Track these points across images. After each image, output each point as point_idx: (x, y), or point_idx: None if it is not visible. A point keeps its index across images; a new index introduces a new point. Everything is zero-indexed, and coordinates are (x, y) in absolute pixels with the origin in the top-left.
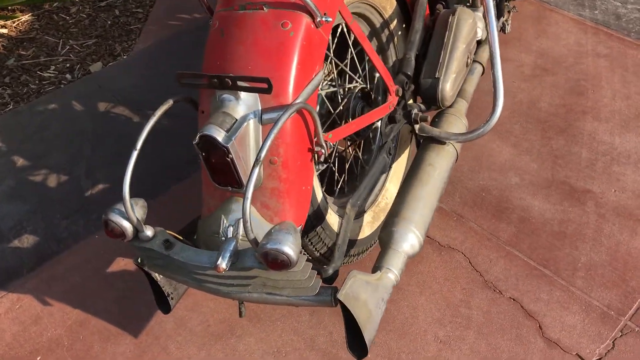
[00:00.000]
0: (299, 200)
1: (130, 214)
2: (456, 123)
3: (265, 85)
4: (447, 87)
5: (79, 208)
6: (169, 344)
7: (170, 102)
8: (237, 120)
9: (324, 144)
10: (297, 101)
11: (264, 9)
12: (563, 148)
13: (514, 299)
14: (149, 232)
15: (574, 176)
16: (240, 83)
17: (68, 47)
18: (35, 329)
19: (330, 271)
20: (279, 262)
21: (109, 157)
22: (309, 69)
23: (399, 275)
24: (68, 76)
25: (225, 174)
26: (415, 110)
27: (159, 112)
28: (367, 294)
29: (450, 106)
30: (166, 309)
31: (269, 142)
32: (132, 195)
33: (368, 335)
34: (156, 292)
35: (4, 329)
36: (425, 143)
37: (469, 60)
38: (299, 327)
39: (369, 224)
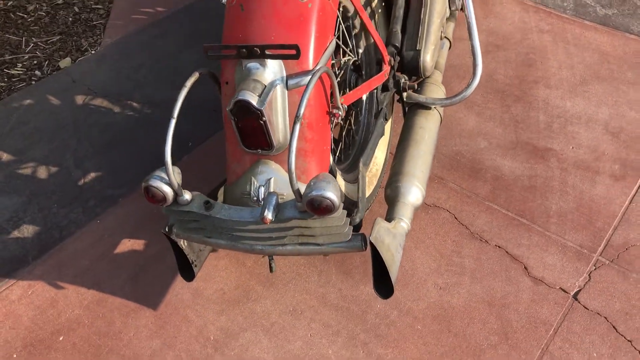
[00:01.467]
0: (322, 159)
1: (172, 179)
2: (436, 90)
3: (293, 52)
4: (428, 58)
5: (75, 197)
6: (188, 312)
7: (196, 75)
8: (265, 86)
9: (340, 106)
10: (319, 66)
11: None
12: (522, 113)
13: (499, 246)
14: (187, 195)
15: (535, 137)
16: (268, 51)
17: (32, 44)
18: (52, 312)
19: (357, 219)
20: (323, 207)
21: (96, 146)
22: (325, 37)
23: (410, 224)
24: (38, 73)
25: (256, 137)
26: (403, 80)
27: (189, 83)
28: (389, 239)
29: (428, 76)
30: (190, 276)
31: (305, 102)
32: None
33: (393, 276)
34: (180, 261)
35: (20, 315)
36: (412, 109)
37: (442, 34)
38: (309, 287)
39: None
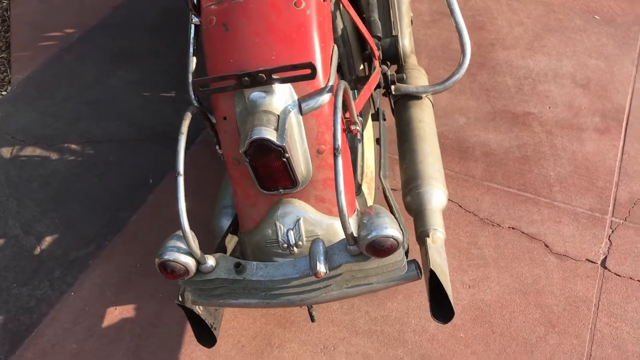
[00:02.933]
0: (349, 185)
1: (193, 247)
2: (421, 76)
3: (308, 71)
4: (406, 42)
5: (35, 269)
6: None
7: (189, 115)
8: (278, 116)
9: (357, 120)
10: (331, 79)
11: None
12: (489, 81)
13: (512, 227)
14: (211, 261)
15: (510, 103)
16: (276, 75)
17: None
18: None
19: (406, 246)
20: (386, 248)
21: (42, 204)
22: (328, 44)
23: (444, 231)
24: None
25: (278, 176)
26: (389, 72)
27: (184, 129)
28: (440, 259)
29: (406, 62)
30: (210, 342)
31: (339, 129)
32: None
33: (451, 297)
34: (195, 327)
35: None
36: (403, 101)
37: (412, 15)
38: (334, 317)
39: (369, 195)
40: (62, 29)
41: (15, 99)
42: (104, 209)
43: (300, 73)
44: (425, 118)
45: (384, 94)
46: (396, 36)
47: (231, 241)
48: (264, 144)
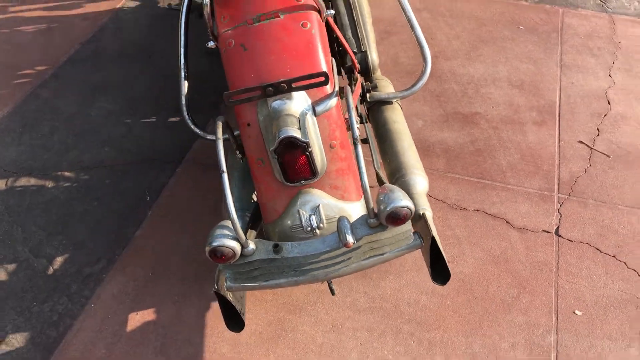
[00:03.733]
0: (356, 174)
1: (239, 232)
2: (388, 85)
3: (322, 79)
4: (375, 56)
5: (52, 288)
6: None
7: (220, 123)
8: (298, 118)
9: (356, 120)
10: (336, 85)
11: (280, 16)
12: (438, 88)
13: (477, 210)
14: (252, 244)
15: (459, 106)
16: (295, 85)
17: None
18: None
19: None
20: (403, 216)
21: (47, 228)
22: (329, 55)
23: (431, 210)
24: None
25: (301, 169)
26: (364, 82)
27: (220, 135)
28: (434, 230)
29: (374, 73)
30: (240, 326)
31: (355, 123)
32: None
33: (448, 262)
34: (226, 315)
35: None
36: (377, 108)
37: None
38: (337, 300)
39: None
40: (33, 66)
41: (0, 135)
42: (108, 227)
43: (315, 81)
44: (398, 119)
45: (360, 102)
46: (365, 51)
47: (250, 236)
48: (292, 140)
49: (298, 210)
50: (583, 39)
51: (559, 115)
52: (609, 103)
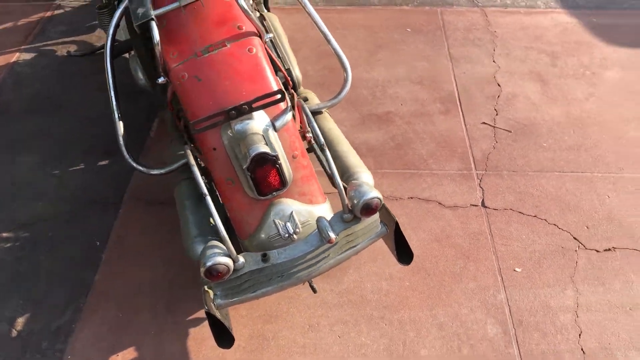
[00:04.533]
0: (316, 179)
1: (231, 248)
2: (314, 97)
3: (279, 96)
4: (298, 72)
5: (22, 347)
6: None
7: (189, 152)
8: (262, 135)
9: (309, 129)
10: (287, 100)
11: (227, 44)
12: (350, 95)
13: (411, 197)
14: (241, 258)
15: (372, 108)
16: (256, 105)
17: None
18: None
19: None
20: (374, 206)
21: (0, 291)
22: (274, 73)
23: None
24: None
25: (273, 181)
26: (296, 96)
27: (193, 161)
28: (395, 217)
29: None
30: (230, 342)
31: (317, 129)
32: None
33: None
34: (216, 333)
35: None
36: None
37: None
38: (307, 302)
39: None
40: None
41: None
42: (64, 278)
43: (273, 99)
44: (332, 126)
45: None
46: (289, 69)
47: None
48: (263, 156)
49: (273, 221)
50: (464, 32)
51: (460, 103)
52: (499, 85)
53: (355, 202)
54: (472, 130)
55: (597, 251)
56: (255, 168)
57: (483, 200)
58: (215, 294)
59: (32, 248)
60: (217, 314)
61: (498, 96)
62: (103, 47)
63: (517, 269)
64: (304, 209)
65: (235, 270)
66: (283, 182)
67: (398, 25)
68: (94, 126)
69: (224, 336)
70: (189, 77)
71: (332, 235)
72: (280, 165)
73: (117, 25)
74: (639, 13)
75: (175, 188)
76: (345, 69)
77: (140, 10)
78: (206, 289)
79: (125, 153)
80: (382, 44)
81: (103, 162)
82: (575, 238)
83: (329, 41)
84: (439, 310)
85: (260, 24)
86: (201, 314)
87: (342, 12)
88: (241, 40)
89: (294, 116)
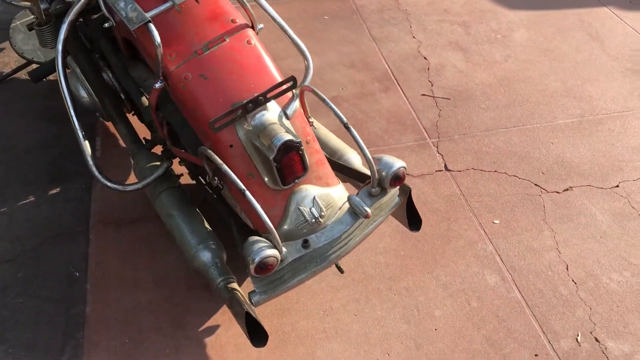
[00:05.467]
0: (327, 162)
1: (277, 239)
2: None
3: (291, 83)
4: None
5: None
6: None
7: (208, 151)
8: (279, 124)
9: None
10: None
11: (226, 39)
12: None
13: None
14: (284, 248)
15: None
16: (270, 94)
17: None
18: None
19: None
20: (402, 176)
21: None
22: (274, 63)
23: None
24: None
25: (297, 168)
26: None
27: (217, 160)
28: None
29: None
30: (263, 340)
31: (337, 111)
32: None
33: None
34: (251, 332)
35: None
36: None
37: None
38: (314, 289)
39: None
40: None
41: None
42: (52, 317)
43: (287, 86)
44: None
45: None
46: None
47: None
48: (289, 144)
49: (298, 208)
50: (378, 14)
51: (396, 79)
52: (425, 59)
53: (384, 174)
54: (415, 103)
55: (558, 192)
56: (282, 157)
57: (445, 164)
58: (253, 291)
59: (4, 293)
60: (254, 314)
61: (428, 68)
62: (14, 71)
63: (495, 221)
64: (324, 192)
65: (280, 261)
66: (305, 168)
67: (315, 14)
68: (29, 155)
69: (256, 335)
70: (194, 76)
71: (368, 210)
72: (303, 151)
73: (66, 38)
74: None
75: (155, 202)
76: (305, 57)
77: (132, 14)
78: (230, 287)
79: (96, 173)
80: (305, 34)
81: (53, 192)
82: (536, 184)
83: (286, 31)
84: (439, 272)
85: (254, 15)
86: (214, 321)
87: (256, 8)
88: (238, 34)
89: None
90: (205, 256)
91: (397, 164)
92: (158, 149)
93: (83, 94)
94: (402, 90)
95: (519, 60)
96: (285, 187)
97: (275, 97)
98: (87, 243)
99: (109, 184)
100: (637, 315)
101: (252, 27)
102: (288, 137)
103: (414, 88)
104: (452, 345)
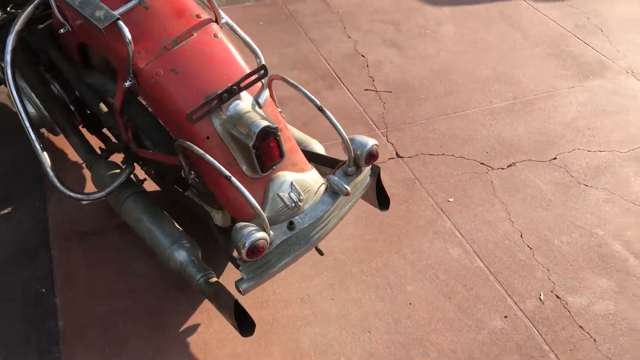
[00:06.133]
0: (299, 149)
1: (266, 222)
2: None
3: (263, 71)
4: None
5: None
6: None
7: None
8: (255, 111)
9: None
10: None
11: (193, 34)
12: None
13: None
14: (271, 231)
15: None
16: (244, 84)
17: None
18: None
19: None
20: (375, 153)
21: None
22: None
23: None
24: None
25: (275, 154)
26: None
27: (200, 151)
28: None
29: None
30: (252, 328)
31: (312, 96)
32: None
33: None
34: (239, 322)
35: None
36: None
37: None
38: (287, 280)
39: None
40: None
41: None
42: (25, 335)
43: (259, 75)
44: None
45: None
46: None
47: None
48: (267, 130)
49: (277, 194)
50: (312, 17)
51: (339, 77)
52: (363, 56)
53: (359, 152)
54: (360, 98)
55: (503, 169)
56: (261, 143)
57: (396, 152)
58: (241, 279)
59: None
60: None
61: (367, 65)
62: None
63: (450, 199)
64: (300, 177)
65: (270, 244)
66: (282, 154)
67: (250, 20)
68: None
69: (243, 325)
70: (166, 71)
71: (347, 187)
72: (279, 137)
73: (14, 49)
74: None
75: (121, 209)
76: (256, 55)
77: (99, 14)
78: (212, 282)
79: (58, 184)
80: (255, 35)
81: (5, 211)
82: (482, 163)
83: (236, 31)
84: (405, 250)
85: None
86: (193, 320)
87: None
88: (204, 28)
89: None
90: (181, 255)
91: (370, 142)
92: (115, 157)
93: (30, 108)
94: (346, 87)
95: (450, 52)
96: (264, 174)
97: (247, 86)
98: (50, 258)
99: (72, 194)
100: (589, 272)
101: (216, 21)
102: (265, 123)
103: (356, 84)
104: (428, 317)
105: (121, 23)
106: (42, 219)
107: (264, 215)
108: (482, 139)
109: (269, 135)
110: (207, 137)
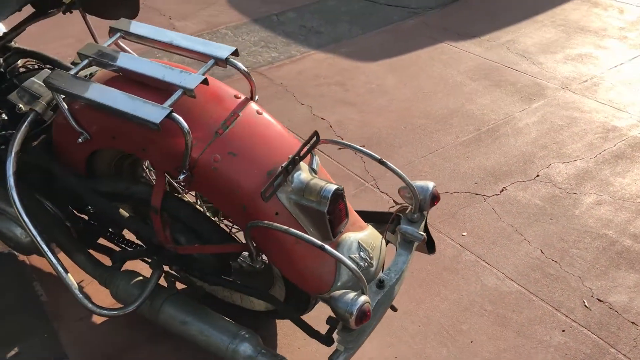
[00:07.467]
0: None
1: (366, 285)
2: None
3: (316, 137)
4: None
5: None
6: None
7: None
8: (316, 177)
9: None
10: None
11: (239, 114)
12: None
13: None
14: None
15: None
16: (302, 152)
17: None
18: None
19: None
20: (437, 194)
21: None
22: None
23: None
24: None
25: (344, 215)
26: None
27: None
28: None
29: None
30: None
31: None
32: None
33: None
34: None
35: None
36: None
37: None
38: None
39: None
40: None
41: None
42: None
43: (313, 142)
44: None
45: None
46: None
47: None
48: (337, 193)
49: (350, 257)
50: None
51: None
52: (323, 119)
53: (422, 197)
54: (338, 157)
55: (497, 194)
56: (333, 207)
57: (393, 200)
58: (335, 352)
59: None
60: None
61: (330, 126)
62: None
63: (463, 234)
64: (363, 236)
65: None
66: (347, 215)
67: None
68: None
69: None
70: (223, 156)
71: (423, 234)
72: (345, 197)
73: (16, 172)
74: (367, 37)
75: (159, 316)
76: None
77: (147, 110)
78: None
79: (88, 303)
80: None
81: (12, 353)
82: (476, 194)
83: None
84: (445, 292)
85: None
86: None
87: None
88: (246, 107)
89: None
90: (247, 348)
91: (430, 184)
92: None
93: (19, 233)
94: (319, 150)
95: (401, 101)
96: (334, 239)
97: (306, 154)
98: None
99: (104, 311)
100: (615, 270)
101: (252, 98)
102: (335, 186)
103: (328, 145)
104: (495, 350)
105: (176, 115)
106: (60, 351)
107: (363, 277)
108: (465, 171)
109: (339, 198)
110: (276, 213)
